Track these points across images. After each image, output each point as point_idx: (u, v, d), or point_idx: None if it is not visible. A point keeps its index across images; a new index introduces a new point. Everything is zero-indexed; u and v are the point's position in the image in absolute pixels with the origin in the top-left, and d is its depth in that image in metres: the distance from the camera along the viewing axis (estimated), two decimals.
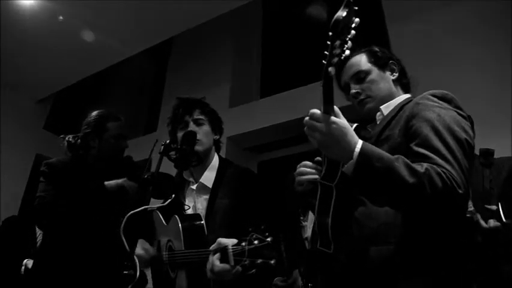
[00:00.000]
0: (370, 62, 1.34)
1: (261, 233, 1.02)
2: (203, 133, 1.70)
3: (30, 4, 3.48)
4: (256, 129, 3.70)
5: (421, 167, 0.92)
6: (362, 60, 1.35)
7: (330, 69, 0.93)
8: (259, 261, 0.98)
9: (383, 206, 1.03)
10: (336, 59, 0.92)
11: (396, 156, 0.95)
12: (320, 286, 1.61)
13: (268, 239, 1.00)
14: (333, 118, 0.97)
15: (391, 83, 1.33)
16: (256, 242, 1.01)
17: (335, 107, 0.99)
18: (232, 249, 1.08)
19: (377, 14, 3.46)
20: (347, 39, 0.91)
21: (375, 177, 0.93)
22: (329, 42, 0.91)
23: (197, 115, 1.72)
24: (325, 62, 0.93)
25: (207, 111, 1.77)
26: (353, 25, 0.91)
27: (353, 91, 1.33)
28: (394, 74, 1.35)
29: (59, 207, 1.85)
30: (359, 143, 0.97)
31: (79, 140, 2.10)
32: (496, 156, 1.79)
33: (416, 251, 0.98)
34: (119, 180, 1.91)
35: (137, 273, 1.43)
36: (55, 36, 3.77)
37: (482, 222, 1.51)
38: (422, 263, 0.96)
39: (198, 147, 1.64)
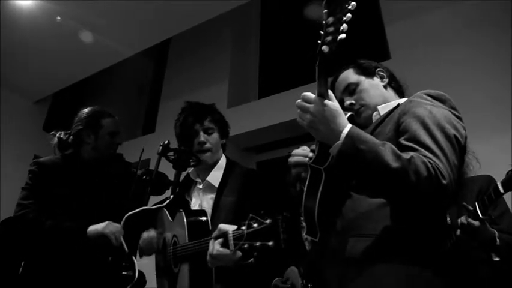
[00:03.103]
0: (357, 73, 1.39)
1: (260, 217, 1.02)
2: (214, 142, 1.74)
3: (27, 4, 3.47)
4: (254, 130, 3.70)
5: (407, 154, 0.92)
6: (349, 74, 1.40)
7: (323, 47, 0.93)
8: (257, 243, 0.99)
9: (369, 195, 1.03)
10: (330, 38, 0.92)
11: (383, 142, 0.96)
12: (311, 277, 1.63)
13: (267, 221, 1.00)
14: (325, 101, 0.99)
15: (382, 88, 1.36)
16: (255, 225, 1.02)
17: (329, 91, 1.01)
18: (233, 233, 1.08)
19: (375, 14, 3.47)
20: (342, 19, 0.91)
21: (359, 160, 0.93)
22: (323, 22, 0.92)
23: (207, 124, 1.75)
24: (319, 42, 0.93)
25: (216, 119, 1.80)
26: (349, 7, 0.91)
27: (347, 102, 1.35)
28: (384, 79, 1.39)
29: (42, 230, 1.78)
30: (348, 126, 0.98)
31: (71, 137, 2.06)
32: (493, 159, 1.84)
33: (394, 243, 0.97)
34: (100, 228, 1.73)
35: (136, 274, 1.44)
36: (53, 37, 3.76)
37: (459, 220, 1.56)
38: (398, 254, 0.95)
39: (207, 157, 1.71)
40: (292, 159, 1.27)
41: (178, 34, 4.01)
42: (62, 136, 2.07)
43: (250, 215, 1.03)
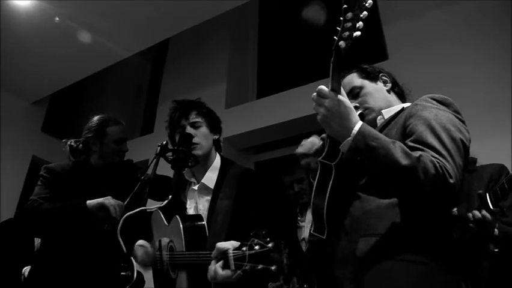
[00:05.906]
0: (361, 77, 1.41)
1: (262, 239, 1.01)
2: (201, 136, 1.68)
3: (25, 5, 3.46)
4: (252, 130, 3.71)
5: (416, 153, 0.95)
6: (353, 78, 1.42)
7: (340, 43, 0.94)
8: (260, 266, 0.98)
9: (377, 195, 1.05)
10: (347, 33, 0.94)
11: (393, 140, 0.98)
12: (316, 278, 1.61)
13: (269, 245, 1.00)
14: (339, 96, 1.02)
15: (386, 92, 1.39)
16: (257, 247, 1.00)
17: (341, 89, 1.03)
18: (233, 253, 1.07)
19: (373, 16, 3.47)
20: (360, 16, 0.93)
21: (369, 156, 0.96)
22: (341, 18, 0.93)
23: (193, 118, 1.70)
24: (336, 38, 0.95)
25: (203, 112, 1.75)
26: (366, 4, 0.93)
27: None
28: (387, 84, 1.41)
29: (42, 211, 1.85)
30: (359, 123, 1.01)
31: (81, 145, 2.13)
32: (493, 159, 1.85)
33: (405, 241, 0.99)
34: (101, 199, 1.83)
35: (135, 275, 1.44)
36: (51, 37, 3.75)
37: (470, 215, 1.53)
38: (410, 252, 0.97)
39: (197, 152, 1.63)
40: (299, 150, 1.28)
41: (177, 35, 4.01)
42: (72, 144, 2.15)
43: (252, 235, 1.03)
